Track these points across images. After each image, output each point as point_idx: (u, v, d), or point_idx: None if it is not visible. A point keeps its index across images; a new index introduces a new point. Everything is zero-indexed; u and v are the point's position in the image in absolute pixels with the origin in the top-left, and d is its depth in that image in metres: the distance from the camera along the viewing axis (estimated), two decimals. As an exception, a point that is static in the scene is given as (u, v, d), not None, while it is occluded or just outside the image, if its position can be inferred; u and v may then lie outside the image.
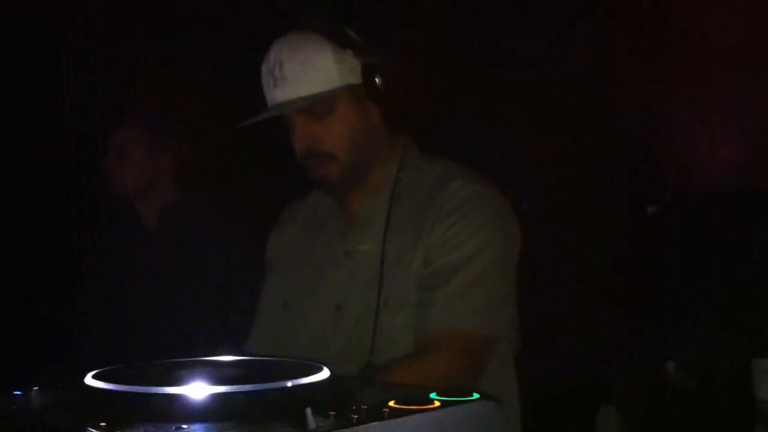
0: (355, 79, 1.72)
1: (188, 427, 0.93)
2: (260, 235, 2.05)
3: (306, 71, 1.70)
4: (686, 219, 3.15)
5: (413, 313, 1.71)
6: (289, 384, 1.01)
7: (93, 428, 0.94)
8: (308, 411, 0.94)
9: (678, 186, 3.30)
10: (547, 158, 3.38)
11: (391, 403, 1.02)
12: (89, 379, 1.02)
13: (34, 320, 2.97)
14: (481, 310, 1.70)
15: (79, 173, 3.25)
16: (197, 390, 0.96)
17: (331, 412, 0.97)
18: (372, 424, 0.95)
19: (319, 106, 1.72)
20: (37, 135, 3.22)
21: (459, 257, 1.70)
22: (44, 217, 3.24)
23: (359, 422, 0.95)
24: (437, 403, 1.03)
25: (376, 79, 1.72)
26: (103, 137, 2.80)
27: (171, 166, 2.76)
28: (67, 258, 3.09)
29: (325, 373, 1.07)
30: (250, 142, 2.63)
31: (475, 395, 1.06)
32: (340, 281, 1.82)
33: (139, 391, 0.97)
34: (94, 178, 2.91)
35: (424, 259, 1.72)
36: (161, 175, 2.75)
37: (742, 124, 3.24)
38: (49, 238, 3.21)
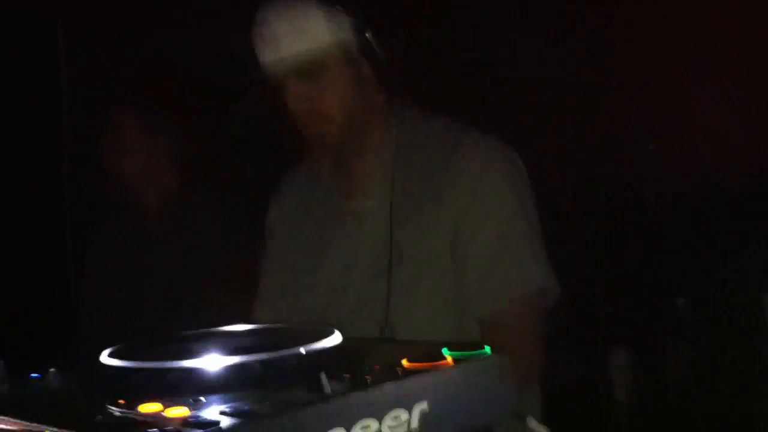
0: (346, 35, 1.70)
1: (206, 399, 0.94)
2: (259, 220, 2.05)
3: (294, 29, 1.68)
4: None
5: (447, 282, 1.72)
6: (303, 350, 1.02)
7: (112, 406, 0.95)
8: (323, 375, 0.95)
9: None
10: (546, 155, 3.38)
11: (404, 362, 1.03)
12: (105, 358, 1.04)
13: (34, 315, 2.97)
14: (537, 268, 1.72)
15: (77, 164, 3.25)
16: (212, 362, 0.97)
17: (345, 375, 0.98)
18: (386, 384, 0.96)
19: (309, 64, 1.70)
20: (34, 130, 3.21)
21: (503, 222, 1.71)
22: (42, 210, 3.23)
23: (373, 383, 0.96)
24: (449, 359, 1.03)
25: (367, 35, 1.71)
26: (101, 127, 2.76)
27: (168, 150, 2.74)
28: (65, 251, 3.08)
29: (337, 337, 1.08)
30: (247, 128, 2.62)
31: (487, 349, 1.07)
32: (347, 241, 1.82)
33: (156, 366, 0.98)
34: (93, 169, 2.89)
35: (456, 226, 1.72)
36: (159, 160, 2.72)
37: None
38: (47, 232, 3.21)
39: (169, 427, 0.84)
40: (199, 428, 0.84)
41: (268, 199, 2.03)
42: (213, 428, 0.83)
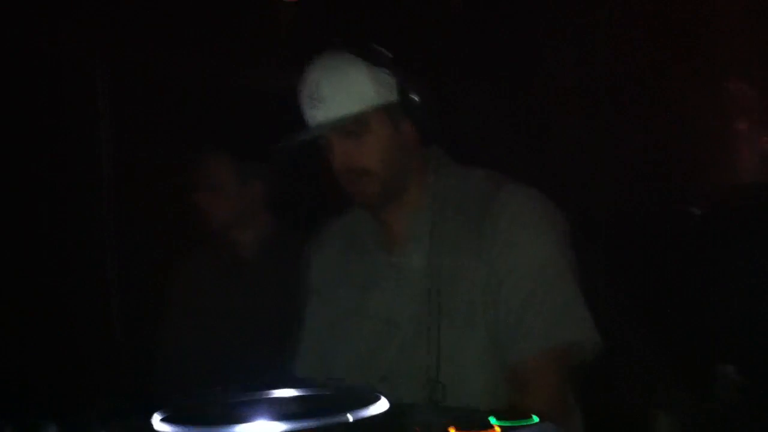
0: (391, 96, 1.75)
1: (255, 466, 0.95)
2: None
3: (342, 91, 1.73)
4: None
5: (487, 332, 1.72)
6: (350, 417, 1.02)
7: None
8: (371, 443, 0.95)
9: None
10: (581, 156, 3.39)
11: (451, 430, 1.03)
12: (156, 423, 1.05)
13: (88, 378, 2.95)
14: (569, 321, 1.71)
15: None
16: (260, 429, 0.98)
17: (393, 443, 0.99)
18: (434, 452, 0.96)
19: (355, 125, 1.75)
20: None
21: (534, 272, 1.71)
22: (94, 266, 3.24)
23: (421, 451, 0.96)
24: (497, 429, 1.03)
25: (412, 96, 1.75)
26: (188, 172, 2.75)
27: (263, 194, 2.74)
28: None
29: (383, 404, 1.09)
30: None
31: (535, 418, 1.06)
32: (390, 297, 1.83)
33: (206, 433, 0.99)
34: (181, 205, 2.85)
35: (489, 275, 1.73)
36: (254, 205, 2.72)
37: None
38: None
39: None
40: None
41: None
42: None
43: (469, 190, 1.82)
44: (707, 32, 3.27)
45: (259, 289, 2.64)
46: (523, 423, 1.05)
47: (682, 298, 3.10)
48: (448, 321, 1.73)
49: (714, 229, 3.06)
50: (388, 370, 1.78)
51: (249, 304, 2.63)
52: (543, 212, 1.78)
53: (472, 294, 1.73)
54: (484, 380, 1.73)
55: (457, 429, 1.03)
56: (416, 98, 1.75)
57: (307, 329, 1.99)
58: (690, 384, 2.86)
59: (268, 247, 2.72)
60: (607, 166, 3.44)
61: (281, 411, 1.08)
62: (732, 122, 3.33)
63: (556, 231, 1.77)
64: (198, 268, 2.80)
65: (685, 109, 3.32)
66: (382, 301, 1.83)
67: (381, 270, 1.86)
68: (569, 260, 1.76)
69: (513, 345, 1.70)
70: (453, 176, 1.86)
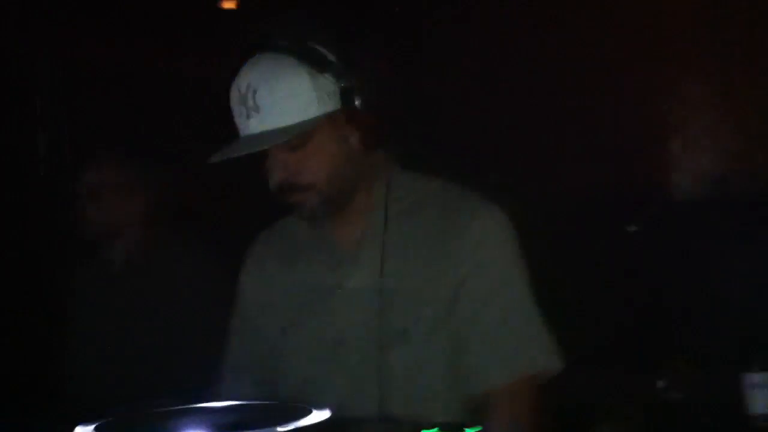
0: (334, 104, 1.60)
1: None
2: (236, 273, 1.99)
3: (282, 100, 1.58)
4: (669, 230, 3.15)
5: (445, 356, 1.65)
6: (280, 429, 0.97)
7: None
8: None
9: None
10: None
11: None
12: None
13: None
14: (536, 347, 1.64)
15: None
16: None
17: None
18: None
19: (297, 136, 1.60)
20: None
21: (503, 296, 1.64)
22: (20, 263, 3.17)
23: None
24: (440, 438, 1.00)
25: (356, 103, 1.61)
26: (74, 180, 2.70)
27: (145, 206, 2.69)
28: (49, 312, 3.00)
29: (317, 416, 1.04)
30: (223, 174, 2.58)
31: (478, 428, 1.03)
32: (337, 316, 1.70)
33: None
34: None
35: (454, 297, 1.64)
36: (135, 216, 2.67)
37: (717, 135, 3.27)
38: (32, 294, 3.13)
39: None
40: None
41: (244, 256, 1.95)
42: None
43: (426, 203, 1.74)
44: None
45: (134, 303, 2.60)
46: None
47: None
48: (405, 338, 1.65)
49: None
50: (338, 396, 1.68)
51: (124, 317, 2.58)
52: (509, 233, 1.71)
53: (430, 313, 1.64)
54: (435, 409, 1.65)
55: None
56: (361, 104, 1.62)
57: (239, 344, 1.88)
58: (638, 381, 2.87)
59: (144, 258, 2.66)
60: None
61: (211, 422, 1.02)
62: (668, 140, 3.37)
63: (518, 252, 1.72)
64: (81, 278, 2.75)
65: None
66: (329, 322, 1.73)
67: (328, 288, 1.75)
68: (529, 282, 1.71)
69: (480, 372, 1.62)
70: (403, 184, 1.75)
